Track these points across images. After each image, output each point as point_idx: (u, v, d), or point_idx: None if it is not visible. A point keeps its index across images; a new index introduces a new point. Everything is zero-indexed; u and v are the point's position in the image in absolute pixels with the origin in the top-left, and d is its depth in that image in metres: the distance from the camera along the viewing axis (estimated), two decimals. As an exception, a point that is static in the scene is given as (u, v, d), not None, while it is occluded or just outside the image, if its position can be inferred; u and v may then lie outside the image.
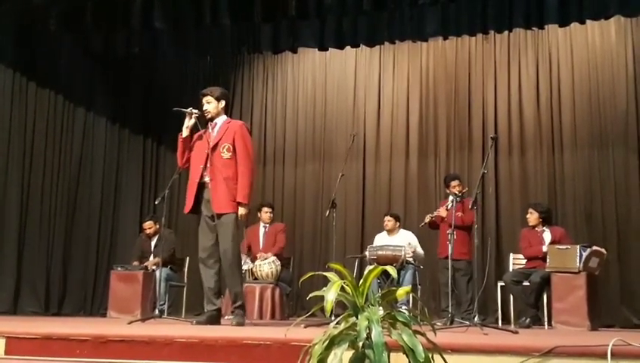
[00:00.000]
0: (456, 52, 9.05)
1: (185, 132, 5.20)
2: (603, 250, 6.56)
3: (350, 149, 7.60)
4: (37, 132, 8.22)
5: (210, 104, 5.22)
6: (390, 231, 7.64)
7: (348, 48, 8.26)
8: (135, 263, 7.77)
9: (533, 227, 7.08)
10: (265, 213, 7.90)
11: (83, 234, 8.75)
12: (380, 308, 2.15)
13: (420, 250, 7.51)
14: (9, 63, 7.91)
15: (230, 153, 5.11)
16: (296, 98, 9.82)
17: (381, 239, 7.63)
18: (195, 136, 5.27)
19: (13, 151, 7.94)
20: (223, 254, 5.09)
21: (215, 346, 3.08)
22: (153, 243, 7.98)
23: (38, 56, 8.22)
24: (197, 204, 5.16)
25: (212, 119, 5.22)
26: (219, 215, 5.04)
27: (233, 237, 5.08)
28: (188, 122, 5.19)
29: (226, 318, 5.61)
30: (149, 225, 8.04)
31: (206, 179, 5.11)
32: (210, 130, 5.22)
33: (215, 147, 5.12)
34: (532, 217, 7.08)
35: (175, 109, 5.28)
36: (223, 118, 5.28)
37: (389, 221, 7.67)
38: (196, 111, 5.19)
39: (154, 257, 7.73)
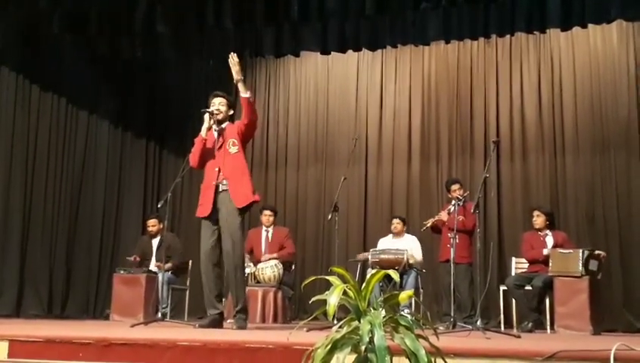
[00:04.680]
0: (458, 56, 9.05)
1: (205, 133, 5.22)
2: (601, 253, 6.56)
3: (352, 152, 7.62)
4: (40, 135, 8.25)
5: (223, 107, 5.28)
6: (398, 234, 7.64)
7: (350, 51, 8.28)
8: (133, 258, 7.77)
9: (539, 230, 7.07)
10: (265, 216, 7.86)
11: (86, 237, 8.76)
12: (383, 312, 2.15)
13: (419, 257, 7.46)
14: (13, 67, 7.95)
15: (236, 148, 5.19)
16: (298, 102, 9.83)
17: (385, 243, 7.64)
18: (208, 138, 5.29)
19: (17, 154, 7.96)
20: (226, 256, 5.10)
21: (218, 350, 3.08)
22: (155, 245, 7.98)
23: (42, 59, 8.24)
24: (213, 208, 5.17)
25: (219, 122, 5.25)
26: (241, 209, 5.10)
27: (237, 240, 5.11)
28: (209, 123, 5.22)
29: (228, 321, 5.61)
30: (153, 223, 8.03)
31: (222, 182, 5.14)
32: (216, 135, 5.26)
33: (222, 147, 5.19)
34: (540, 219, 7.08)
35: (202, 110, 5.29)
36: (226, 123, 5.33)
37: (398, 224, 7.67)
38: (217, 111, 5.25)
39: (156, 259, 7.74)
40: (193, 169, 5.74)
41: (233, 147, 5.19)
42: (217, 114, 5.23)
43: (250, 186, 5.19)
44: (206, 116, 5.22)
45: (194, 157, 5.27)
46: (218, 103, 5.28)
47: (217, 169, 5.17)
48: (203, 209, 5.19)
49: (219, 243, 5.15)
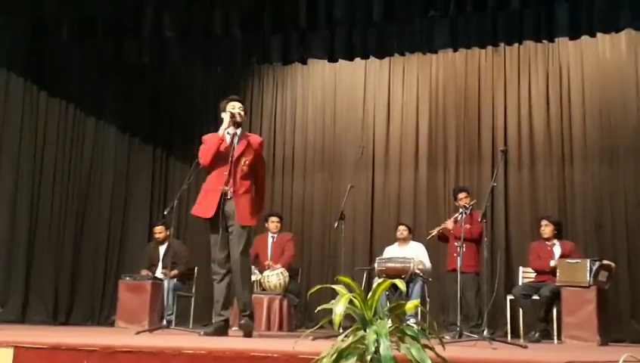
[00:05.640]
0: (466, 64, 9.04)
1: (222, 133, 5.21)
2: (611, 264, 6.52)
3: (359, 160, 7.60)
4: (47, 141, 8.27)
5: (242, 112, 5.30)
6: (403, 241, 7.62)
7: (358, 59, 8.27)
8: (143, 272, 7.76)
9: (546, 239, 7.04)
10: (272, 223, 7.89)
11: (92, 244, 8.77)
12: (389, 321, 2.13)
13: (428, 264, 7.46)
14: (20, 72, 7.97)
15: (248, 168, 5.18)
16: (305, 109, 9.83)
17: (391, 251, 7.62)
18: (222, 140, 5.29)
19: (24, 160, 7.99)
20: (234, 264, 5.10)
21: (223, 358, 3.07)
22: (162, 252, 7.97)
23: (49, 65, 8.28)
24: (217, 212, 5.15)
25: (238, 126, 5.24)
26: (243, 227, 5.08)
27: (245, 248, 5.12)
28: (228, 125, 5.20)
29: (234, 328, 5.60)
30: (160, 230, 8.03)
31: (229, 190, 5.11)
32: (230, 140, 5.23)
33: (238, 160, 5.17)
34: (548, 229, 7.04)
35: (225, 111, 5.26)
36: (239, 129, 5.29)
37: (404, 231, 7.66)
38: (237, 114, 5.26)
39: (163, 266, 7.73)
40: (199, 176, 5.73)
41: (246, 167, 5.19)
42: (237, 117, 5.22)
43: (248, 208, 5.12)
44: (227, 117, 5.19)
45: (207, 155, 5.19)
46: (238, 108, 5.28)
47: (226, 174, 5.11)
48: (202, 208, 5.16)
49: (228, 250, 5.14)
